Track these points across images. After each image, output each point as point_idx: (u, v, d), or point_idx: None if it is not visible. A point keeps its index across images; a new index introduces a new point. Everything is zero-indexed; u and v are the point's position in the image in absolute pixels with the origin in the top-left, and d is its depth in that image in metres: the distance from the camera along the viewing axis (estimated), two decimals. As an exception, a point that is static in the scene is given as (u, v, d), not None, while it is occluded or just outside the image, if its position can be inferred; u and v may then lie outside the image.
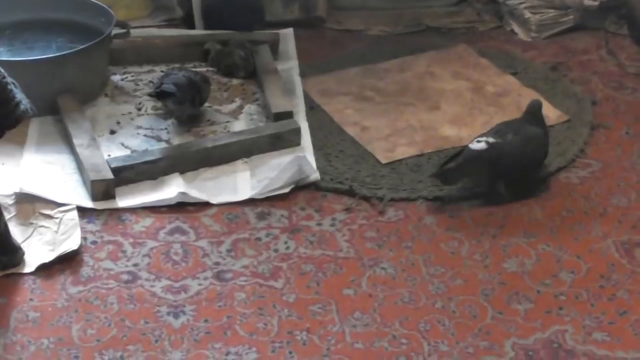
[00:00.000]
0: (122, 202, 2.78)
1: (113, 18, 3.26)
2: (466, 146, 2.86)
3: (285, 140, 3.01)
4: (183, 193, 2.78)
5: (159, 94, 3.06)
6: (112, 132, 3.08)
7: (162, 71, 3.34)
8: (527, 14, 3.69)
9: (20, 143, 2.98)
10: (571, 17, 3.70)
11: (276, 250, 2.63)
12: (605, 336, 2.38)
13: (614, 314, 2.44)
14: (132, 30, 3.37)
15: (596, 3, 3.70)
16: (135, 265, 2.58)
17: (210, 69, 3.40)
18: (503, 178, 2.84)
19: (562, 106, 3.23)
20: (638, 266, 2.59)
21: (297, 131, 3.02)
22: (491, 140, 2.83)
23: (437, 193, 2.85)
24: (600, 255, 2.62)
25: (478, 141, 2.84)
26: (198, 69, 3.34)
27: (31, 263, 2.56)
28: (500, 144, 2.82)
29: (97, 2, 3.37)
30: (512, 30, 3.73)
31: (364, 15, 3.83)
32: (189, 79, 3.10)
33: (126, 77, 3.37)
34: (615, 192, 2.86)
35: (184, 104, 3.07)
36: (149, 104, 3.20)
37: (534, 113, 2.92)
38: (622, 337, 2.38)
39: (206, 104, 3.21)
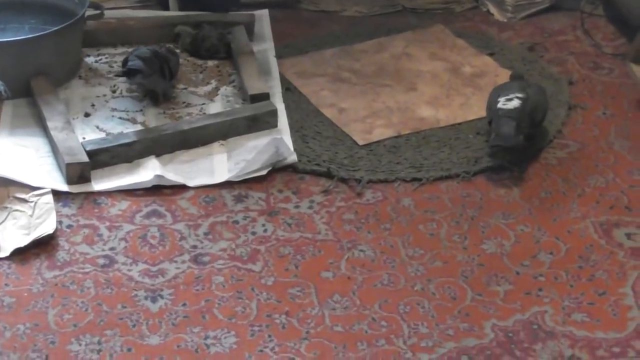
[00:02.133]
0: (98, 185, 2.75)
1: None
2: (497, 109, 2.87)
3: (262, 122, 2.99)
4: (159, 176, 2.76)
5: (126, 72, 3.05)
6: (87, 115, 3.05)
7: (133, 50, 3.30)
8: (503, -5, 3.68)
9: (-6, 126, 2.95)
10: (547, -3, 3.70)
11: (254, 233, 2.61)
12: (585, 317, 2.38)
13: (593, 294, 2.44)
14: (105, 12, 3.33)
15: (572, -16, 3.69)
16: (111, 249, 2.55)
17: (184, 52, 3.38)
18: (528, 131, 2.88)
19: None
20: (616, 247, 2.59)
21: (273, 113, 3.00)
22: (520, 95, 2.89)
23: (415, 174, 2.84)
24: (578, 236, 2.62)
25: (508, 100, 2.88)
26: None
27: (6, 248, 2.53)
28: (528, 98, 2.89)
29: (70, -17, 3.34)
30: (488, 11, 3.71)
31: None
32: (154, 51, 3.10)
33: (100, 59, 3.34)
34: (593, 172, 2.86)
35: (153, 78, 3.06)
36: (124, 85, 3.17)
37: (520, 76, 3.05)
38: (601, 318, 2.37)
39: (181, 86, 3.18)
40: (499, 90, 2.97)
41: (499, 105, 2.89)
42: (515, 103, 2.88)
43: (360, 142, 2.97)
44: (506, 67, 3.32)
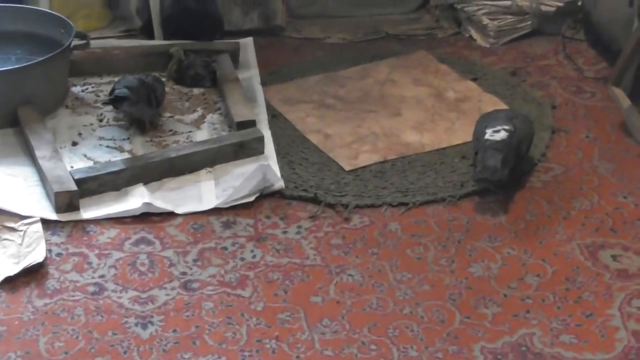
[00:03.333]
0: (87, 213, 2.76)
1: (72, 29, 3.24)
2: (484, 140, 2.88)
3: (249, 148, 3.00)
4: (147, 203, 2.77)
5: (113, 100, 3.06)
6: (74, 144, 3.06)
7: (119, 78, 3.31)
8: (485, 20, 3.72)
9: (-19, 156, 2.95)
10: (529, 22, 3.74)
11: (243, 259, 2.63)
12: (573, 338, 2.40)
13: (581, 316, 2.46)
14: (91, 41, 3.35)
15: (553, 9, 3.73)
16: (101, 276, 2.56)
17: (170, 81, 3.40)
18: (512, 162, 2.88)
19: (522, 111, 3.24)
20: (602, 268, 2.61)
21: (260, 139, 3.02)
22: (507, 127, 2.90)
23: (402, 199, 2.85)
24: (565, 258, 2.64)
25: (495, 131, 2.89)
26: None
27: (-5, 276, 2.53)
28: (515, 130, 2.90)
29: (55, 13, 3.36)
30: (471, 37, 3.76)
31: (323, 23, 3.84)
32: (140, 80, 3.11)
33: (87, 88, 3.36)
34: (578, 195, 2.89)
35: (140, 106, 3.07)
36: (110, 114, 3.19)
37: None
38: (589, 339, 2.39)
39: (167, 114, 3.20)
40: (486, 120, 2.99)
41: (486, 136, 2.90)
42: (502, 135, 2.88)
43: (347, 168, 2.99)
44: (489, 92, 3.35)
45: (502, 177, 2.83)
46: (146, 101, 3.09)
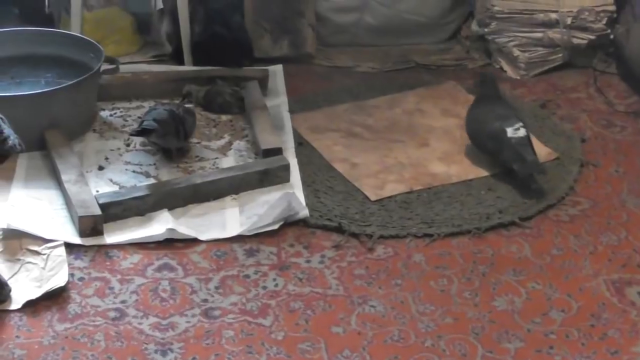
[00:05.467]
0: (110, 238, 2.76)
1: (102, 54, 3.26)
2: (508, 139, 3.02)
3: (274, 176, 3.00)
4: (171, 229, 2.77)
5: (141, 132, 3.06)
6: (101, 168, 3.07)
7: (150, 106, 3.30)
8: (516, 52, 3.71)
9: (8, 178, 2.97)
10: (560, 55, 3.72)
11: (265, 288, 2.62)
12: (596, 375, 2.38)
13: (605, 353, 2.43)
14: (121, 66, 3.37)
15: (585, 41, 3.72)
16: (122, 302, 2.56)
17: (198, 107, 3.41)
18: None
19: (551, 143, 3.24)
20: (629, 305, 2.58)
21: (286, 167, 3.02)
22: (522, 124, 3.08)
23: (427, 230, 2.84)
24: (591, 294, 2.62)
25: (515, 130, 3.04)
26: (186, 105, 3.34)
27: (18, 300, 2.54)
28: (526, 125, 3.11)
29: (86, 37, 3.38)
30: (501, 68, 3.75)
31: (353, 52, 3.84)
32: (171, 112, 3.09)
33: (115, 113, 3.37)
34: (605, 230, 2.86)
35: (167, 138, 3.07)
36: (138, 139, 3.19)
37: (491, 82, 3.24)
38: (613, 377, 2.37)
39: (194, 140, 3.21)
40: (497, 120, 3.08)
41: (509, 134, 3.02)
42: (522, 131, 3.04)
43: (372, 198, 2.98)
44: (518, 124, 3.33)
45: (542, 165, 3.03)
46: (174, 134, 3.08)
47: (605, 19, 3.71)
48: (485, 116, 3.13)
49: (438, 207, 2.95)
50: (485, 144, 3.11)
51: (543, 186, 3.00)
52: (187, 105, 3.29)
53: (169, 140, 3.09)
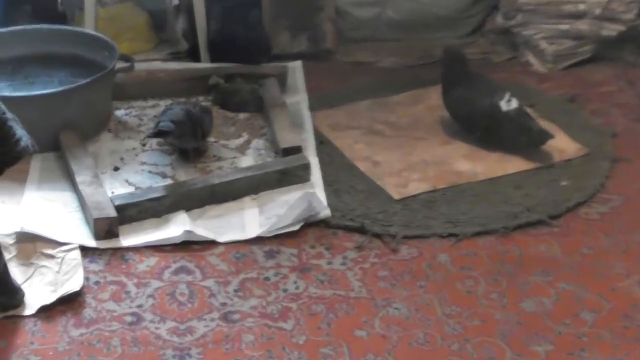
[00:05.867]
0: (126, 241, 2.76)
1: (116, 52, 3.26)
2: (504, 113, 3.09)
3: (295, 176, 3.00)
4: (189, 231, 2.76)
5: (157, 134, 3.05)
6: (116, 169, 3.07)
7: (166, 106, 3.30)
8: (543, 45, 3.68)
9: (21, 180, 2.97)
10: (588, 47, 3.70)
11: (285, 290, 2.61)
12: (630, 379, 2.35)
13: (639, 355, 2.40)
14: (136, 64, 3.37)
15: (614, 33, 3.68)
16: (139, 306, 2.55)
17: (215, 106, 3.41)
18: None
19: (580, 139, 3.22)
20: (662, 305, 2.56)
21: (306, 166, 3.01)
22: (509, 93, 3.13)
23: (452, 230, 2.83)
24: (623, 294, 2.59)
25: (507, 102, 3.10)
26: (203, 103, 3.35)
27: (32, 304, 2.53)
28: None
29: (100, 35, 3.38)
30: (528, 61, 3.73)
31: (374, 47, 3.84)
32: (187, 112, 3.09)
33: (130, 112, 3.37)
34: (638, 228, 2.84)
35: (184, 138, 3.07)
36: (154, 139, 3.19)
37: (459, 58, 3.27)
38: (647, 380, 2.35)
39: (212, 139, 3.21)
40: (485, 96, 3.13)
41: (505, 109, 3.09)
42: (514, 102, 3.10)
43: (395, 197, 2.97)
44: (546, 119, 3.30)
45: (549, 131, 3.10)
46: (191, 134, 3.08)
47: (636, 9, 3.68)
48: (469, 96, 3.16)
49: (463, 206, 2.93)
50: (477, 125, 3.16)
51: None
52: (203, 104, 3.29)
53: (186, 141, 3.09)
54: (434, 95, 3.48)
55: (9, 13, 3.69)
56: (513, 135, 3.08)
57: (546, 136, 3.08)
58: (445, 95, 3.25)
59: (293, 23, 3.78)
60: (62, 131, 3.11)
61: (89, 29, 3.51)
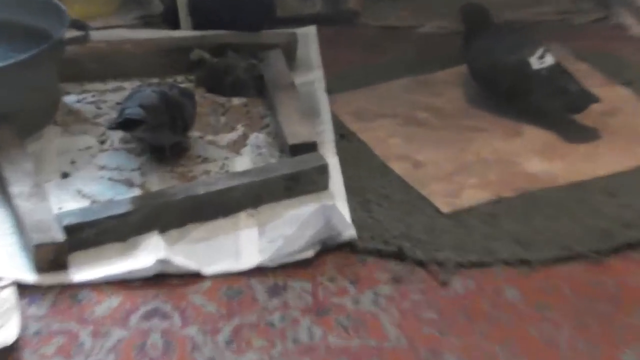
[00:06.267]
0: (78, 274, 2.73)
1: (66, 16, 3.26)
2: (535, 72, 3.23)
3: (307, 182, 2.99)
4: (164, 261, 2.74)
5: (123, 124, 3.03)
6: (65, 175, 3.07)
7: (133, 88, 3.32)
8: (644, 0, 3.70)
9: None
10: None
11: (296, 341, 2.58)
12: None
13: None
14: (92, 33, 3.37)
15: None
16: (96, 364, 2.55)
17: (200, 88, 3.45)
18: None
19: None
20: None
21: (323, 169, 3.01)
22: (543, 47, 3.28)
23: (522, 254, 2.80)
24: None
25: (539, 57, 3.25)
26: (184, 85, 3.38)
27: (-51, 364, 2.52)
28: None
29: (42, -7, 3.41)
30: (622, 23, 3.75)
31: (414, 6, 3.93)
32: (162, 95, 3.09)
33: (85, 98, 3.39)
34: None
35: (160, 131, 3.07)
36: (117, 135, 3.20)
37: (481, 12, 3.50)
38: None
39: (196, 133, 3.21)
40: (510, 52, 3.30)
41: (535, 66, 3.24)
42: (549, 58, 3.25)
43: (445, 210, 2.96)
44: (649, 101, 3.34)
45: (593, 93, 3.23)
46: (169, 125, 3.08)
47: None
48: (491, 48, 3.33)
49: (538, 222, 2.91)
50: (501, 85, 3.31)
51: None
52: (183, 85, 3.31)
53: (162, 135, 3.09)
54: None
55: None
56: (545, 99, 3.21)
57: (588, 99, 3.18)
58: (465, 52, 3.42)
59: (305, -27, 3.81)
60: (-9, 125, 3.13)
61: (29, -14, 3.54)
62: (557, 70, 3.25)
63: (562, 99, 3.21)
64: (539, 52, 3.26)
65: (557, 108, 3.23)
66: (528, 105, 3.26)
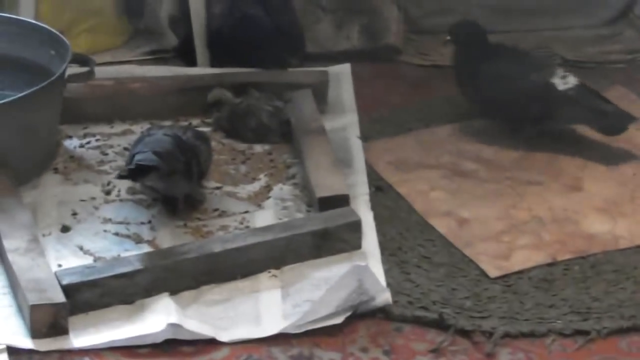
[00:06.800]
0: (79, 339, 2.75)
1: (68, 50, 3.27)
2: (561, 93, 3.35)
3: (337, 240, 3.02)
4: (175, 325, 2.76)
5: (134, 173, 3.04)
6: (65, 229, 3.10)
7: (142, 132, 3.34)
8: None
9: None
10: None
11: (323, 419, 2.63)
12: None
13: None
14: (98, 69, 3.39)
15: None
16: None
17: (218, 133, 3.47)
18: None
19: None
20: None
21: (355, 226, 3.03)
22: (562, 69, 3.41)
23: (580, 325, 2.82)
24: None
25: (563, 77, 3.38)
26: (200, 129, 3.39)
27: None
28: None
29: (43, 25, 3.41)
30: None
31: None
32: (176, 139, 3.10)
33: (88, 142, 3.42)
34: None
35: (174, 180, 3.07)
36: (124, 184, 3.22)
37: (475, 29, 3.54)
38: None
39: (212, 184, 3.24)
40: (529, 72, 3.39)
41: (561, 87, 3.35)
42: (572, 78, 3.37)
43: (493, 274, 2.98)
44: None
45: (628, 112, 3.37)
46: (184, 172, 3.09)
47: None
48: (507, 73, 3.36)
49: (598, 288, 2.93)
50: (523, 111, 3.37)
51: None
52: (199, 129, 3.32)
53: (176, 184, 3.10)
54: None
55: None
56: (578, 121, 3.32)
57: (627, 119, 3.29)
58: (466, 77, 3.47)
59: (339, 6, 3.80)
60: (-16, 171, 3.14)
61: (26, 15, 3.57)
62: (585, 90, 3.36)
63: (600, 122, 3.32)
64: (559, 72, 3.36)
65: (593, 129, 3.33)
66: (555, 128, 3.37)
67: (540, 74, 3.34)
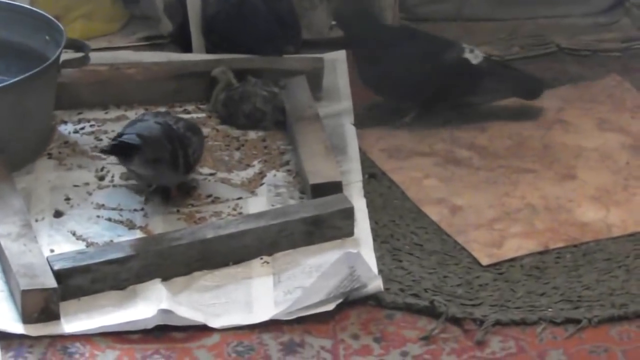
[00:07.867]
0: (71, 324, 2.76)
1: (63, 35, 3.28)
2: (473, 67, 3.45)
3: (330, 227, 3.02)
4: (166, 311, 2.76)
5: (116, 148, 3.03)
6: (58, 214, 3.10)
7: (136, 117, 3.31)
8: None
9: None
10: None
11: (313, 405, 2.63)
12: None
13: None
14: (93, 54, 3.39)
15: None
16: None
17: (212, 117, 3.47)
18: None
19: None
20: None
21: (348, 213, 3.03)
22: (465, 45, 3.50)
23: (571, 313, 2.82)
24: None
25: (470, 51, 3.47)
26: (195, 115, 3.41)
27: None
28: None
29: (37, 10, 3.42)
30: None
31: (457, 30, 3.89)
32: (165, 127, 3.09)
33: (82, 128, 3.43)
34: None
35: (159, 169, 3.07)
36: (117, 170, 3.23)
37: (365, 15, 3.59)
38: None
39: (206, 170, 3.24)
40: (440, 51, 3.46)
41: (474, 61, 3.44)
42: (477, 52, 3.48)
43: (484, 261, 2.98)
44: None
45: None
46: (169, 161, 3.08)
47: None
48: (413, 52, 3.44)
49: (590, 277, 2.93)
50: (439, 89, 3.48)
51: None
52: (195, 115, 3.35)
53: (162, 173, 3.10)
54: (548, 104, 3.52)
55: None
56: (495, 92, 3.43)
57: (541, 84, 3.47)
58: (368, 62, 3.48)
59: (334, -8, 3.82)
60: (-23, 157, 3.14)
61: (21, 1, 3.57)
62: (493, 62, 3.52)
63: (524, 89, 3.47)
64: (465, 46, 3.45)
65: (513, 96, 3.47)
66: (468, 104, 3.50)
67: (453, 51, 3.44)
